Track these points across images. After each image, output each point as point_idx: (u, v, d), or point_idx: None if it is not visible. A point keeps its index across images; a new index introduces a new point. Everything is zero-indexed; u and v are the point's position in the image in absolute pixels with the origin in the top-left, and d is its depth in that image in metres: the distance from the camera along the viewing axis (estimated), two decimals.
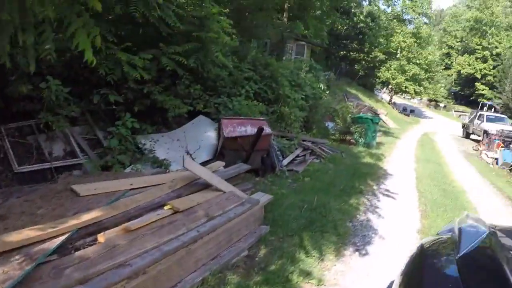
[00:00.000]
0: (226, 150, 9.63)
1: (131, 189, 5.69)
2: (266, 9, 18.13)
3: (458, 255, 2.61)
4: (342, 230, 6.75)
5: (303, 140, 12.80)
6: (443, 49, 77.29)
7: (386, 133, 24.41)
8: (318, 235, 6.32)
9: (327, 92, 22.67)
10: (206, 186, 6.29)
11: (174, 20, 9.03)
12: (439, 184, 11.64)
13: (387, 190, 10.09)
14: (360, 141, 16.53)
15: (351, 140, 17.09)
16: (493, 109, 40.41)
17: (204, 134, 10.41)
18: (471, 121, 31.53)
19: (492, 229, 3.12)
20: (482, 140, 25.99)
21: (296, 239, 6.04)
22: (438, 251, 3.07)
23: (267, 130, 9.77)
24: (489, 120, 28.78)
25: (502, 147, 21.34)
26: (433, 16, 56.63)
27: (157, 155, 8.56)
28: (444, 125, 42.31)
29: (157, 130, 9.79)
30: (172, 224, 4.68)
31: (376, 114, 29.75)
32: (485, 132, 26.53)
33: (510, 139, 24.19)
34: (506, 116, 32.45)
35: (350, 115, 17.85)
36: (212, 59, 10.44)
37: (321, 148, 13.27)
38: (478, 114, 31.08)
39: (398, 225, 7.67)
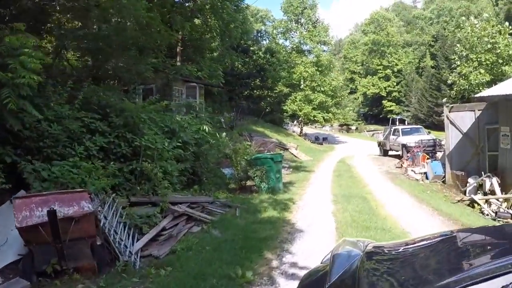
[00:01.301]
0: (33, 246, 5.88)
1: None
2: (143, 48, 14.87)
3: (328, 283, 2.53)
4: None
5: (174, 204, 9.06)
6: (346, 74, 77.77)
7: (298, 168, 21.14)
8: None
9: (224, 134, 19.35)
10: None
11: None
12: (371, 233, 8.02)
13: (294, 265, 6.44)
14: (262, 186, 13.02)
15: (253, 187, 13.61)
16: (405, 122, 39.00)
17: None
18: (387, 137, 29.17)
19: (369, 250, 2.91)
20: (402, 154, 23.99)
21: None
22: (314, 281, 3.00)
23: (86, 206, 6.03)
24: (405, 133, 26.50)
25: (427, 159, 18.77)
26: (331, 43, 54.90)
27: None
28: (359, 147, 40.20)
29: None
30: None
31: (285, 148, 26.68)
32: (404, 146, 24.45)
33: (431, 148, 21.93)
34: (421, 126, 30.46)
35: (246, 157, 14.35)
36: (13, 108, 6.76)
37: (206, 208, 9.67)
38: (392, 129, 28.74)
39: None
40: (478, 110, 14.93)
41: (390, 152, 28.66)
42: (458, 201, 13.30)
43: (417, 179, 16.95)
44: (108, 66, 14.46)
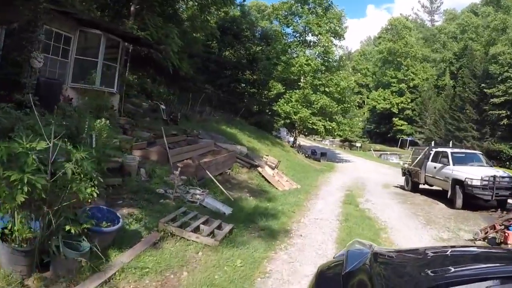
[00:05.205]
0: None
1: None
2: None
3: (344, 271, 2.96)
4: None
5: None
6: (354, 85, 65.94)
7: (256, 217, 8.92)
8: None
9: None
10: None
11: None
12: None
13: None
14: None
15: None
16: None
17: None
18: (420, 164, 17.05)
19: (375, 251, 3.28)
20: (452, 196, 13.68)
21: None
22: (331, 270, 3.37)
23: None
24: (459, 161, 14.79)
25: None
26: (344, 35, 40.43)
27: None
28: (368, 170, 28.65)
29: None
30: None
31: (251, 165, 14.38)
32: (459, 184, 13.38)
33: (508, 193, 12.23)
34: (479, 152, 18.21)
35: None
36: None
37: None
38: (433, 152, 16.53)
39: None
40: None
41: (422, 186, 17.01)
42: None
43: None
44: None
